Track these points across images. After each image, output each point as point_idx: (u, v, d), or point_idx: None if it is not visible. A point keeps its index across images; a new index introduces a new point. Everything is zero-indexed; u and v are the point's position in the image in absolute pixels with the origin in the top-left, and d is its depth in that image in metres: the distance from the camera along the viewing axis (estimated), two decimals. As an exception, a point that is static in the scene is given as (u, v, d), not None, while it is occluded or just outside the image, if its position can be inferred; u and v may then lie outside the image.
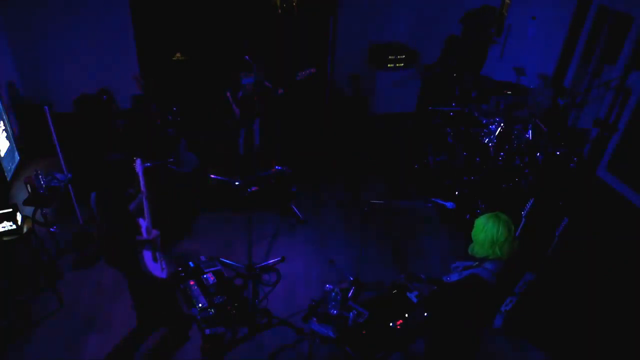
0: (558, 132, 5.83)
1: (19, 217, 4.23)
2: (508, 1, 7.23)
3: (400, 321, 3.30)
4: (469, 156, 5.91)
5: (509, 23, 7.22)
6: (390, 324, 3.29)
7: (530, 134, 5.57)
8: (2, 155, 5.78)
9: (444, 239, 5.41)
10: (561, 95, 5.94)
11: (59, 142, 4.75)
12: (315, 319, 3.27)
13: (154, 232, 3.73)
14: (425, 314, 3.37)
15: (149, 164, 3.77)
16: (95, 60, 7.12)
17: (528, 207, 4.16)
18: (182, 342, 4.03)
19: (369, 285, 4.59)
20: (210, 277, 3.93)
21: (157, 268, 3.78)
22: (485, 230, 2.81)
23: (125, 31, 7.06)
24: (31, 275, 4.59)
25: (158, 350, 3.98)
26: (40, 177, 4.68)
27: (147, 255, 3.70)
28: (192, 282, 3.86)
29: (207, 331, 3.53)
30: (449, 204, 3.81)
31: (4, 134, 5.98)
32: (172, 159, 4.73)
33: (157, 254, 3.82)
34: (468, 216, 5.41)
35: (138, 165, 3.55)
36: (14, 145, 6.26)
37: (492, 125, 5.73)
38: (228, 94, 5.81)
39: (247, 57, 5.77)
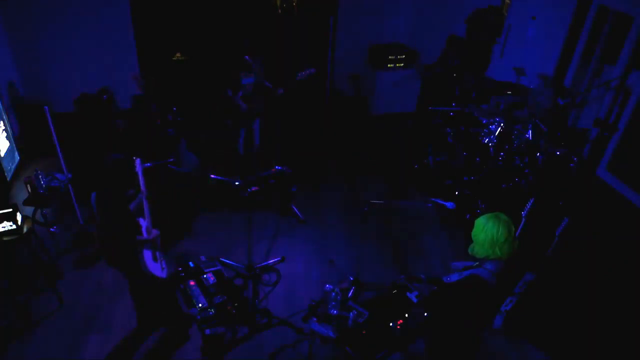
0: (558, 132, 5.82)
1: (19, 217, 4.23)
2: (508, 1, 7.22)
3: (400, 321, 3.30)
4: (469, 156, 5.90)
5: (509, 23, 7.22)
6: (390, 324, 3.28)
7: (530, 134, 5.57)
8: (2, 155, 5.78)
9: (444, 239, 5.41)
10: (561, 95, 5.93)
11: (59, 142, 4.75)
12: (315, 319, 3.27)
13: (154, 232, 3.73)
14: (426, 314, 3.37)
15: (149, 164, 3.77)
16: (95, 60, 7.13)
17: (528, 207, 4.15)
18: (182, 342, 4.03)
19: (369, 285, 4.59)
20: (210, 277, 3.93)
21: (157, 268, 3.78)
22: (485, 230, 2.82)
23: (125, 31, 7.06)
24: (31, 275, 4.58)
25: (158, 350, 3.98)
26: (40, 177, 4.69)
27: (147, 255, 3.70)
28: (192, 282, 3.86)
29: (207, 331, 3.54)
30: (449, 204, 3.81)
31: (4, 134, 5.98)
32: (172, 159, 4.73)
33: (157, 254, 3.82)
34: (468, 216, 5.41)
35: (138, 165, 3.55)
36: (14, 145, 6.26)
37: (492, 125, 5.72)
38: (229, 92, 5.81)
39: (247, 57, 5.78)
